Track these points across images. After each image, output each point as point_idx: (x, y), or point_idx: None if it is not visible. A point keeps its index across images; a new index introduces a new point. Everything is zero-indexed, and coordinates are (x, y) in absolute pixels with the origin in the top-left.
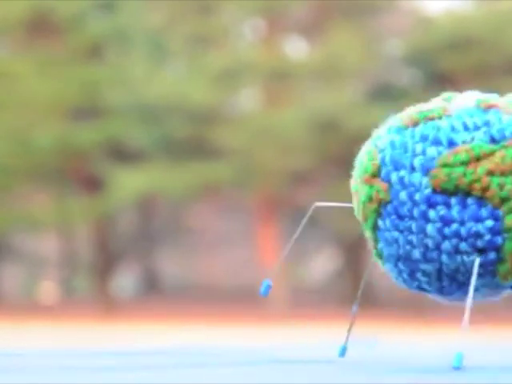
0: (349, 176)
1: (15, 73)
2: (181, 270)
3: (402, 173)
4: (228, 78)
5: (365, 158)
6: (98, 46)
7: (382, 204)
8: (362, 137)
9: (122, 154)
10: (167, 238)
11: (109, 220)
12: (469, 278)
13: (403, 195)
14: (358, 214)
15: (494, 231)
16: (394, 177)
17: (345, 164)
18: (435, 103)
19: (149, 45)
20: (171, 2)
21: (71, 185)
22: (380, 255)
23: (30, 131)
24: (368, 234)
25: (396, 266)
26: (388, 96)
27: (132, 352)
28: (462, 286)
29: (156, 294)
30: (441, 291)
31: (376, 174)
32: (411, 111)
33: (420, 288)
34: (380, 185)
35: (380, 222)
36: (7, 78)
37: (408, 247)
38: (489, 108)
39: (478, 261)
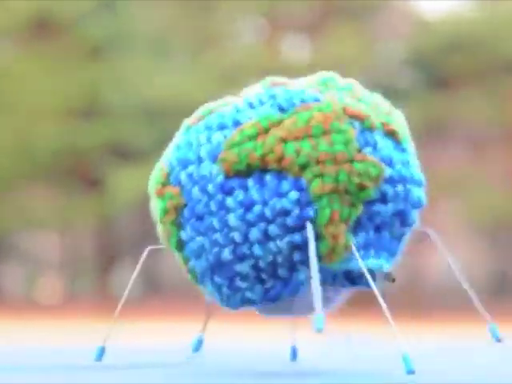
0: None
1: (18, 73)
2: (181, 269)
3: (191, 168)
4: (229, 77)
5: (153, 174)
6: (100, 46)
7: (179, 211)
8: None
9: (124, 154)
10: None
11: (110, 219)
12: (291, 271)
13: (196, 191)
14: (164, 240)
15: (302, 203)
16: (183, 176)
17: None
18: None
19: (150, 45)
20: (172, 2)
21: (73, 185)
22: (195, 277)
23: (32, 131)
24: (178, 256)
25: (213, 281)
26: (389, 97)
27: (132, 351)
28: (288, 284)
29: (156, 294)
30: (266, 296)
31: (166, 182)
32: (197, 111)
33: (244, 300)
34: (171, 190)
35: (183, 234)
36: (10, 78)
37: (216, 249)
38: (275, 85)
39: (310, 227)
